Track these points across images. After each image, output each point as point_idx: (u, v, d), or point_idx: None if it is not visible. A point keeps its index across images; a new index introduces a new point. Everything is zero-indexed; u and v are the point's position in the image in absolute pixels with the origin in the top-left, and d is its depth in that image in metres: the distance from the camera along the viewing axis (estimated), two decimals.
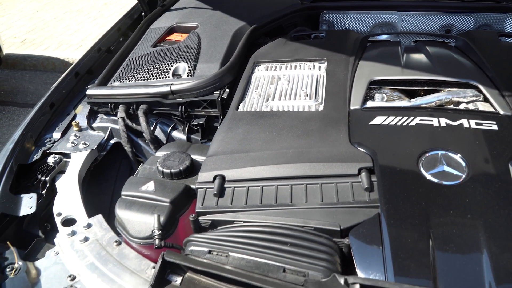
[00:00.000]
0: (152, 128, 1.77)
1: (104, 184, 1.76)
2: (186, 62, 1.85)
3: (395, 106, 1.48)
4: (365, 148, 1.30)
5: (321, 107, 1.51)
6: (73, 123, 1.75)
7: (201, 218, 1.25)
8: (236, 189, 1.28)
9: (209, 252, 1.17)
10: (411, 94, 1.62)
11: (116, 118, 1.80)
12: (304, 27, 2.10)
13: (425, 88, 1.58)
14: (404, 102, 1.51)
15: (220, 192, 1.26)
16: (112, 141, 1.76)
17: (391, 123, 1.39)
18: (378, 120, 1.40)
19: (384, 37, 2.14)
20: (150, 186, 1.41)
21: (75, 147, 1.67)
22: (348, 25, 2.15)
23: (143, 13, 2.46)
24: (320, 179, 1.25)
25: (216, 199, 1.26)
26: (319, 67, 1.73)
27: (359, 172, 1.24)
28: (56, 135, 1.73)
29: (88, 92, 1.80)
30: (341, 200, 1.19)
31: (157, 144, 1.73)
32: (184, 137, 1.77)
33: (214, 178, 1.30)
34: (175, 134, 1.79)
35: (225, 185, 1.29)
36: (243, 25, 2.07)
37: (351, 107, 1.48)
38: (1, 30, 6.47)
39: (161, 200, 1.35)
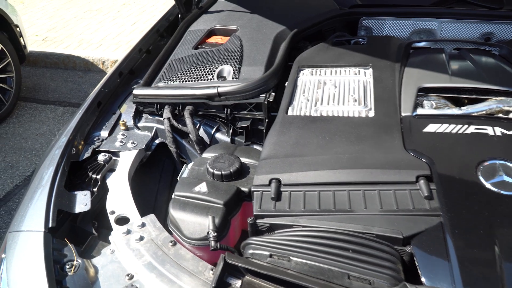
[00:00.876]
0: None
1: (148, 183, 1.76)
2: (231, 64, 1.85)
3: (447, 114, 1.47)
4: (421, 156, 1.29)
5: (371, 113, 1.50)
6: (120, 122, 1.75)
7: (258, 221, 1.24)
8: (292, 193, 1.27)
9: (270, 255, 1.17)
10: (455, 102, 1.61)
11: (161, 118, 1.80)
12: (343, 32, 2.09)
13: (473, 96, 1.57)
14: (455, 110, 1.50)
15: (277, 196, 1.26)
16: (156, 141, 1.76)
17: (445, 131, 1.38)
18: (431, 128, 1.40)
19: (422, 43, 2.13)
20: (203, 187, 1.41)
21: (123, 146, 1.67)
22: (387, 31, 2.14)
23: (179, 15, 2.46)
24: (378, 185, 1.25)
25: (274, 203, 1.25)
26: (365, 72, 1.72)
27: (417, 180, 1.23)
28: (104, 133, 1.74)
29: (135, 92, 1.80)
30: (401, 207, 1.18)
31: (202, 145, 1.73)
32: (228, 139, 1.77)
33: (270, 181, 1.30)
34: (218, 136, 1.79)
35: (281, 189, 1.28)
36: (283, 29, 2.06)
37: (403, 114, 1.47)
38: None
39: (214, 202, 1.35)
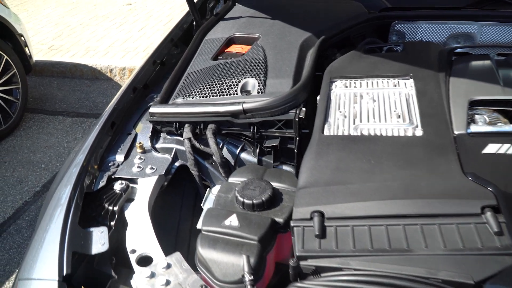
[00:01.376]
0: None
1: (169, 210, 1.61)
2: (255, 77, 1.69)
3: (507, 131, 1.30)
4: (483, 182, 1.13)
5: (419, 131, 1.34)
6: (137, 144, 1.59)
7: (302, 263, 1.08)
8: (339, 228, 1.11)
9: None
10: (507, 115, 1.44)
11: (181, 138, 1.64)
12: (374, 38, 1.92)
13: None
14: None
15: (322, 233, 1.10)
16: (176, 164, 1.60)
17: (508, 152, 1.21)
18: (491, 148, 1.23)
19: (463, 49, 1.96)
20: (234, 220, 1.25)
21: (141, 172, 1.51)
22: (421, 36, 1.97)
23: (194, 23, 2.31)
24: (437, 218, 1.08)
25: (318, 241, 1.09)
26: (405, 84, 1.55)
27: (483, 211, 1.07)
28: (120, 157, 1.58)
29: (151, 110, 1.64)
30: (467, 245, 1.02)
31: (227, 168, 1.57)
32: (254, 159, 1.61)
33: (312, 215, 1.14)
34: (244, 156, 1.63)
35: (325, 224, 1.12)
36: (309, 36, 1.90)
37: (455, 132, 1.30)
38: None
39: (248, 238, 1.19)
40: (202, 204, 1.53)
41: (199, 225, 1.44)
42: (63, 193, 1.37)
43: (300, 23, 2.00)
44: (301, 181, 1.24)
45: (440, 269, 0.99)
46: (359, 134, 1.36)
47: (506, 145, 1.22)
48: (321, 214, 1.13)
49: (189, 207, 1.66)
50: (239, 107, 1.55)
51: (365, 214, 1.12)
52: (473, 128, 1.32)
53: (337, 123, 1.42)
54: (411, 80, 1.55)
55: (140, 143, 1.59)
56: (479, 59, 1.62)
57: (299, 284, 1.06)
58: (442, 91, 1.46)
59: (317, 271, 1.08)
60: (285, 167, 1.61)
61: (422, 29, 1.95)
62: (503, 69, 1.53)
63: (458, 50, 1.86)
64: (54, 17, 7.16)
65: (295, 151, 1.54)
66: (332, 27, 1.94)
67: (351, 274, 1.03)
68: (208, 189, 1.61)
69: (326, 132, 1.39)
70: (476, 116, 1.39)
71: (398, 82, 1.56)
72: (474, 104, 1.42)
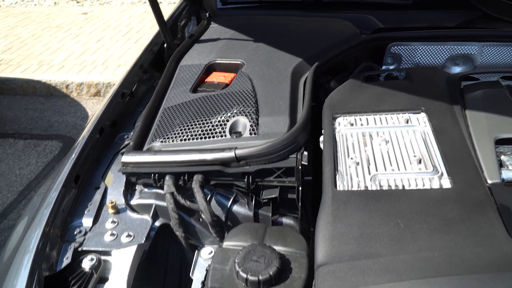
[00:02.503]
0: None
1: (150, 282, 1.34)
2: (245, 114, 1.45)
3: None
4: None
5: (446, 181, 1.14)
6: (108, 203, 1.31)
7: None
8: None
9: None
10: None
11: (161, 191, 1.38)
12: (371, 63, 1.73)
13: None
14: None
15: None
16: (157, 223, 1.34)
17: None
18: None
19: (458, 69, 1.80)
20: None
21: (116, 241, 1.23)
22: (419, 58, 1.80)
23: (165, 45, 2.04)
24: None
25: None
26: (417, 119, 1.36)
27: None
28: (87, 221, 1.29)
29: (124, 159, 1.37)
30: None
31: (219, 227, 1.32)
32: (249, 213, 1.37)
33: None
34: (237, 209, 1.38)
35: None
36: (299, 62, 1.68)
37: (489, 181, 1.12)
38: None
39: None
40: (191, 274, 1.28)
41: None
42: (18, 278, 1.08)
43: (287, 47, 1.77)
44: (320, 255, 1.01)
45: None
46: (378, 187, 1.15)
47: None
48: None
49: (175, 276, 1.39)
50: (231, 154, 1.31)
51: None
52: (506, 174, 1.13)
53: (349, 173, 1.21)
54: (424, 115, 1.36)
55: (112, 202, 1.31)
56: (490, 87, 1.45)
57: None
58: (462, 128, 1.28)
59: None
60: (285, 220, 1.38)
61: (419, 51, 1.77)
62: None
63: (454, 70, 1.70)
64: (2, 28, 6.62)
65: (299, 204, 1.31)
66: (324, 51, 1.73)
67: None
68: (196, 251, 1.36)
69: (339, 186, 1.17)
70: (503, 158, 1.21)
71: (409, 117, 1.36)
72: (500, 143, 1.24)
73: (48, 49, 5.84)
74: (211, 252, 1.34)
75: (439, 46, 1.75)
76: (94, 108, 4.87)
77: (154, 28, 6.87)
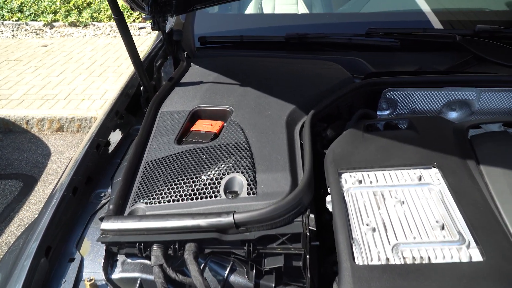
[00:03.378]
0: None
1: None
2: (241, 171, 1.29)
3: None
4: None
5: (475, 252, 1.02)
6: (85, 281, 1.11)
7: None
8: None
9: None
10: None
11: (147, 262, 1.19)
12: (367, 110, 1.62)
13: None
14: None
15: None
16: None
17: None
18: None
19: (454, 114, 1.73)
20: None
21: None
22: (415, 103, 1.71)
23: (142, 88, 1.87)
24: None
25: None
26: (430, 176, 1.24)
27: None
28: None
29: (104, 226, 1.17)
30: None
31: None
32: (250, 284, 1.19)
33: None
34: (235, 279, 1.21)
35: None
36: (293, 109, 1.55)
37: None
38: None
39: None
40: None
41: None
42: None
43: (277, 92, 1.65)
44: None
45: None
46: (401, 260, 1.01)
47: None
48: None
49: None
50: (229, 219, 1.14)
51: None
52: None
53: (367, 242, 1.07)
54: (436, 171, 1.25)
55: (90, 279, 1.11)
56: (500, 138, 1.37)
57: None
58: (482, 187, 1.17)
59: None
60: None
61: (416, 96, 1.69)
62: None
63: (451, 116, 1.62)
64: None
65: (306, 273, 1.15)
66: (318, 96, 1.61)
67: None
68: None
69: (357, 259, 1.02)
70: None
71: (421, 174, 1.25)
72: None
73: (7, 83, 5.52)
74: None
75: (435, 92, 1.67)
76: (57, 144, 4.59)
77: (118, 60, 6.71)
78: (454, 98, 1.69)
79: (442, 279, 0.95)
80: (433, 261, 1.01)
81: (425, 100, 1.70)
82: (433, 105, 1.72)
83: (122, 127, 1.82)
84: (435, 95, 1.69)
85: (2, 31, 7.43)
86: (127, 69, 5.85)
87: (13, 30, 7.43)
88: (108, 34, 7.25)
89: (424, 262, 1.00)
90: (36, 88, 5.36)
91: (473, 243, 1.04)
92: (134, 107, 1.92)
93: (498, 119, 1.53)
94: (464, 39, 1.90)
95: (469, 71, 1.83)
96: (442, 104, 1.71)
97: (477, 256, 1.01)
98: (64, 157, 4.38)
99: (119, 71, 5.78)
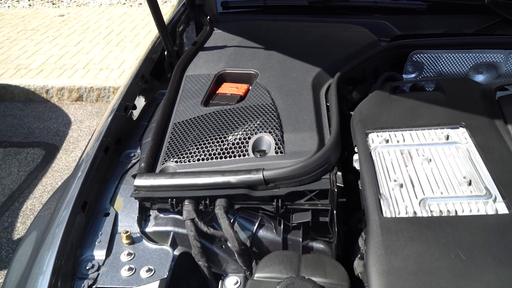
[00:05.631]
0: None
1: None
2: (268, 131, 1.33)
3: None
4: None
5: (502, 206, 1.05)
6: (122, 233, 1.17)
7: None
8: None
9: None
10: None
11: (179, 217, 1.25)
12: (394, 72, 1.63)
13: None
14: None
15: None
16: (176, 252, 1.21)
17: None
18: None
19: (481, 77, 1.72)
20: None
21: (134, 277, 1.09)
22: (442, 66, 1.71)
23: (166, 52, 1.90)
24: None
25: None
26: (458, 135, 1.26)
27: None
28: (99, 254, 1.15)
29: (137, 183, 1.23)
30: None
31: (247, 256, 1.20)
32: (277, 238, 1.25)
33: None
34: (263, 233, 1.26)
35: None
36: (318, 72, 1.57)
37: None
38: None
39: None
40: None
41: None
42: None
43: (302, 55, 1.66)
44: None
45: None
46: (429, 213, 1.05)
47: None
48: None
49: None
50: (258, 176, 1.18)
51: None
52: None
53: (394, 197, 1.10)
54: (464, 130, 1.27)
55: (126, 231, 1.18)
56: None
57: None
58: (509, 145, 1.19)
59: None
60: (315, 244, 1.27)
61: (442, 59, 1.69)
62: None
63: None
64: None
65: (333, 228, 1.20)
66: (344, 59, 1.63)
67: None
68: (220, 281, 1.24)
69: (385, 212, 1.06)
70: None
71: (448, 134, 1.27)
72: None
73: (25, 53, 5.59)
74: (237, 282, 1.22)
75: (463, 54, 1.67)
76: (77, 113, 4.67)
77: (135, 30, 6.69)
78: (481, 61, 1.68)
79: (469, 230, 0.98)
80: (460, 214, 1.04)
81: (452, 63, 1.70)
82: (460, 68, 1.72)
83: (146, 93, 1.87)
84: (462, 58, 1.68)
85: (18, 1, 7.47)
86: (144, 38, 5.86)
87: (29, 0, 7.47)
88: (124, 4, 7.24)
89: (451, 215, 1.04)
90: (55, 57, 5.42)
91: (499, 198, 1.07)
92: (158, 72, 1.95)
93: None
94: (493, 2, 1.87)
95: (498, 33, 1.81)
96: (469, 66, 1.71)
97: (503, 210, 1.04)
98: (84, 126, 4.46)
99: (136, 41, 5.79)
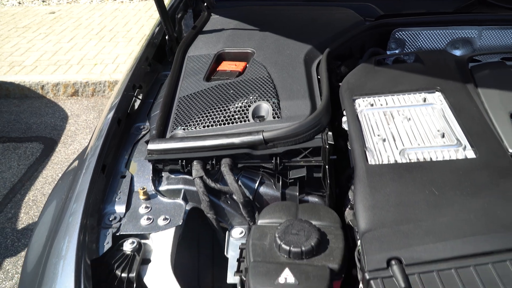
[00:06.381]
0: None
1: (186, 263, 1.38)
2: (266, 99, 1.51)
3: None
4: None
5: (470, 152, 1.24)
6: (139, 190, 1.35)
7: None
8: (422, 276, 0.97)
9: None
10: None
11: (188, 176, 1.42)
12: (378, 48, 1.82)
13: None
14: None
15: (407, 284, 0.96)
16: (187, 207, 1.38)
17: None
18: None
19: (458, 52, 1.92)
20: (289, 276, 1.08)
21: (153, 225, 1.27)
22: (421, 43, 1.91)
23: (167, 37, 2.07)
24: None
25: None
26: (434, 98, 1.46)
27: None
28: (120, 208, 1.32)
29: (150, 147, 1.41)
30: None
31: (250, 207, 1.38)
32: (276, 193, 1.44)
33: (389, 263, 0.99)
34: (264, 190, 1.44)
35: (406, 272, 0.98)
36: (310, 49, 1.75)
37: (510, 150, 1.23)
38: None
39: None
40: (225, 253, 1.34)
41: (230, 279, 1.25)
42: (64, 266, 1.10)
43: (295, 35, 1.85)
44: (363, 223, 1.09)
45: None
46: (407, 160, 1.24)
47: None
48: (399, 261, 0.99)
49: (207, 256, 1.45)
50: (259, 137, 1.36)
51: (448, 256, 0.99)
52: None
53: (378, 149, 1.29)
54: (439, 94, 1.46)
55: (143, 188, 1.35)
56: (497, 67, 1.57)
57: None
58: (478, 104, 1.38)
59: None
60: (311, 198, 1.46)
61: (422, 36, 1.88)
62: None
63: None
64: None
65: (328, 181, 1.38)
66: (332, 37, 1.81)
67: None
68: (227, 232, 1.42)
69: (370, 161, 1.25)
70: None
71: (426, 96, 1.46)
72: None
73: (18, 50, 5.72)
74: (242, 232, 1.40)
75: (440, 31, 1.86)
76: (73, 108, 4.81)
77: (128, 25, 6.83)
78: (457, 37, 1.88)
79: (442, 172, 1.17)
80: (434, 160, 1.23)
81: (431, 39, 1.90)
82: (438, 44, 1.91)
83: (150, 75, 2.04)
84: (440, 34, 1.88)
85: None
86: (137, 33, 6.02)
87: None
88: (115, 0, 7.38)
89: (426, 160, 1.23)
90: (48, 54, 5.56)
91: (468, 146, 1.26)
92: (160, 56, 2.13)
93: (496, 51, 1.73)
94: None
95: (473, 12, 2.01)
96: (446, 42, 1.91)
97: (471, 155, 1.23)
98: (81, 120, 4.61)
99: (129, 36, 5.95)
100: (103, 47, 5.68)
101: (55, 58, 5.46)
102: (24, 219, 3.43)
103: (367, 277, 0.99)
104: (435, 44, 1.91)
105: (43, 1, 7.44)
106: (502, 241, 1.00)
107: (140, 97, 1.87)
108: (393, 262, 0.99)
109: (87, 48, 5.67)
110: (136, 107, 1.80)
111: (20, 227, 3.36)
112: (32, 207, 3.53)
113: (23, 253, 3.12)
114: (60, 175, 3.16)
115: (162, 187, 1.42)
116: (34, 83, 5.01)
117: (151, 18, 6.57)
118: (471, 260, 0.98)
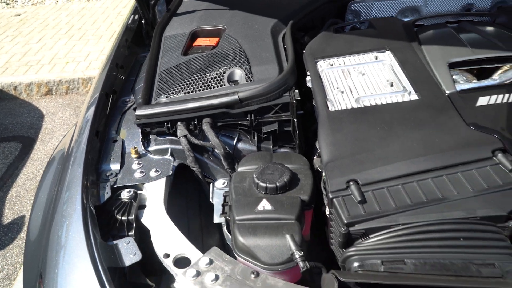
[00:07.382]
0: None
1: (176, 213, 1.59)
2: (239, 66, 1.74)
3: (488, 85, 1.50)
4: (487, 130, 1.31)
5: (414, 96, 1.49)
6: (131, 149, 1.56)
7: (351, 229, 1.17)
8: (375, 192, 1.22)
9: (382, 263, 1.11)
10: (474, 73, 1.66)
11: (173, 137, 1.63)
12: (336, 19, 2.07)
13: (495, 66, 1.63)
14: (491, 81, 1.55)
15: (363, 198, 1.20)
16: (175, 164, 1.60)
17: (497, 102, 1.41)
18: (483, 101, 1.42)
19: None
20: (266, 205, 1.30)
21: (146, 176, 1.48)
22: (375, 13, 2.17)
23: (143, 21, 2.27)
24: (457, 167, 1.24)
25: (361, 206, 1.19)
26: (384, 56, 1.71)
27: (494, 154, 1.25)
28: (115, 166, 1.53)
29: (138, 112, 1.62)
30: (490, 185, 1.19)
31: (230, 159, 1.60)
32: (253, 147, 1.67)
33: (348, 184, 1.23)
34: (241, 146, 1.67)
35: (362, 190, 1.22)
36: (275, 22, 1.99)
37: (447, 92, 1.48)
38: None
39: (286, 218, 1.26)
40: (210, 199, 1.55)
41: (216, 219, 1.47)
42: (72, 209, 1.31)
43: (261, 11, 2.08)
44: (326, 156, 1.32)
45: (475, 208, 1.15)
46: (362, 105, 1.49)
47: (494, 96, 1.43)
48: (356, 182, 1.23)
49: (195, 207, 1.66)
50: (234, 97, 1.59)
51: (395, 175, 1.24)
52: (461, 87, 1.51)
53: (337, 99, 1.53)
54: (388, 52, 1.71)
55: (135, 148, 1.56)
56: (439, 27, 1.84)
57: (354, 248, 1.15)
58: (421, 58, 1.64)
59: (366, 234, 1.17)
60: (283, 150, 1.69)
61: (375, 7, 2.14)
62: (463, 34, 1.76)
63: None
64: None
65: (296, 132, 1.62)
66: (295, 11, 2.05)
67: (401, 229, 1.15)
68: (211, 184, 1.63)
69: (331, 109, 1.49)
70: (455, 77, 1.58)
71: (377, 55, 1.71)
72: (451, 66, 1.62)
73: None
74: (224, 182, 1.62)
75: (391, 2, 2.13)
76: (48, 107, 4.93)
77: (96, 23, 6.94)
78: (406, 6, 2.15)
79: (390, 112, 1.43)
80: (384, 103, 1.48)
81: (383, 10, 2.16)
82: (389, 13, 2.18)
83: (129, 58, 2.23)
84: (390, 5, 2.15)
85: None
86: (106, 31, 6.15)
87: None
88: None
89: (378, 104, 1.48)
90: (18, 55, 5.65)
91: (413, 92, 1.51)
92: (137, 40, 2.33)
93: (438, 15, 2.00)
94: None
95: None
96: (396, 11, 2.17)
97: (415, 98, 1.48)
98: (57, 118, 4.74)
99: (99, 34, 6.08)
100: (73, 45, 5.79)
101: (25, 59, 5.55)
102: (9, 214, 3.56)
103: (330, 196, 1.23)
104: (386, 14, 2.17)
105: (7, 4, 7.47)
106: (438, 160, 1.26)
107: (123, 77, 2.08)
108: (351, 183, 1.23)
109: (57, 48, 5.78)
110: (120, 82, 2.00)
111: (5, 222, 3.49)
112: (16, 203, 3.66)
113: (11, 246, 3.27)
114: (41, 171, 3.28)
115: (151, 148, 1.64)
116: (6, 84, 5.10)
117: (119, 15, 6.71)
118: (415, 177, 1.23)
